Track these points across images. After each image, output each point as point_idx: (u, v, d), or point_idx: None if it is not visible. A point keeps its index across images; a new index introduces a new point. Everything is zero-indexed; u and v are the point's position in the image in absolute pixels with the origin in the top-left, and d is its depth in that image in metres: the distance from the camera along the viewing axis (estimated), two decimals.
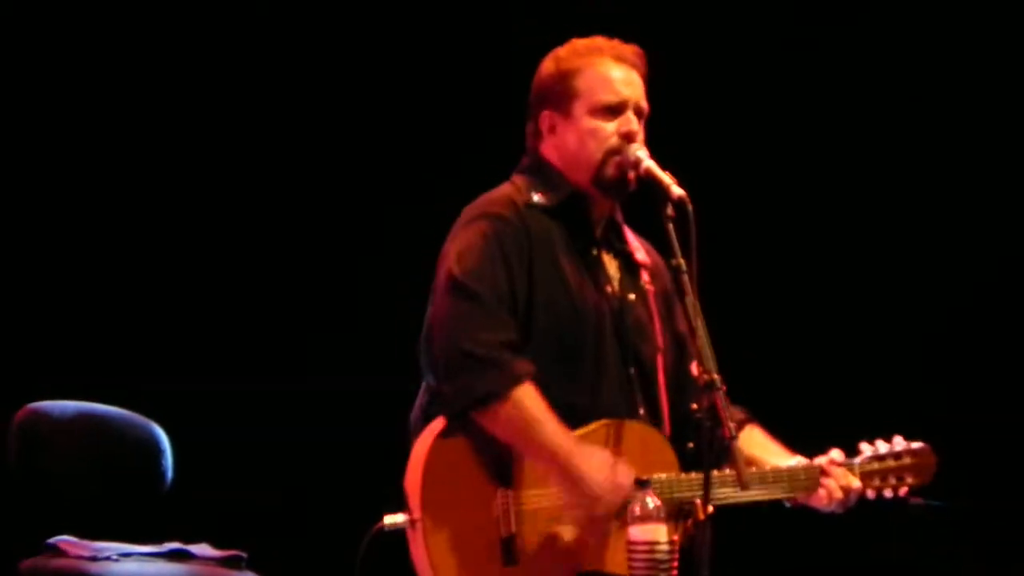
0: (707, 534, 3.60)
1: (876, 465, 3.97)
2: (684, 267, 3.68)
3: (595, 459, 3.69)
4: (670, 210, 3.73)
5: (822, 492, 3.89)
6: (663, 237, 3.74)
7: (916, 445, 4.02)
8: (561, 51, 3.97)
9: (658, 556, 3.52)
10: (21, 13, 5.90)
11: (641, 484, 3.59)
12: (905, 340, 6.13)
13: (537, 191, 3.90)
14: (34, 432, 4.53)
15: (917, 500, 4.02)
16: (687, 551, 3.61)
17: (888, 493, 3.97)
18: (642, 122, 3.91)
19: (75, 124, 5.93)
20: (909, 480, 4.00)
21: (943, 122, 6.08)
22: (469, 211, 3.87)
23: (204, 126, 6.01)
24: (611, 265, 3.97)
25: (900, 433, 4.03)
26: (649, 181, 3.81)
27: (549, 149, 3.95)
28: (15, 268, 5.84)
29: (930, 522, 4.41)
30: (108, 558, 4.29)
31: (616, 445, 3.76)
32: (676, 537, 3.59)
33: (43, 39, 5.93)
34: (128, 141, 5.99)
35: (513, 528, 3.68)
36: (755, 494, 3.81)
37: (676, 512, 3.66)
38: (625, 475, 3.68)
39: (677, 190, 3.74)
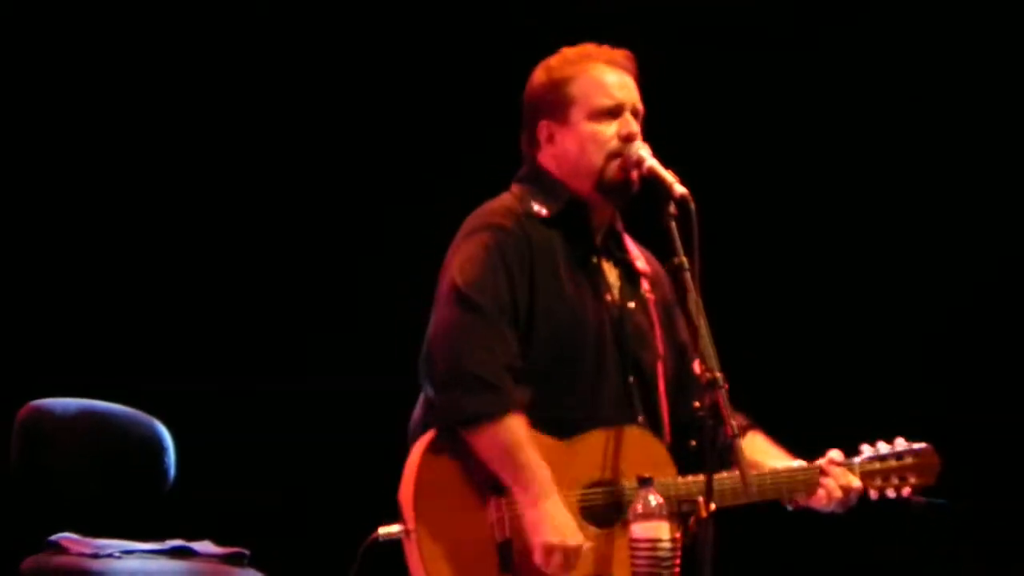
0: (709, 533, 3.59)
1: (878, 465, 3.97)
2: (687, 265, 3.69)
3: (559, 518, 3.69)
4: (673, 208, 3.74)
5: (821, 492, 3.91)
6: (664, 238, 3.75)
7: (918, 446, 4.02)
8: (552, 60, 3.98)
9: (660, 554, 3.53)
10: (21, 13, 5.90)
11: (644, 482, 3.59)
12: (905, 340, 6.13)
13: (536, 201, 3.91)
14: (37, 429, 4.52)
15: (919, 499, 4.02)
16: (689, 549, 3.61)
17: (891, 493, 3.98)
18: (639, 123, 3.92)
19: (76, 124, 5.93)
20: (912, 480, 3.99)
21: (943, 122, 6.08)
22: (470, 222, 3.88)
23: (207, 127, 6.01)
24: (611, 273, 3.98)
25: (901, 434, 4.04)
26: (652, 180, 3.81)
27: (548, 158, 3.95)
28: (18, 266, 5.84)
29: (932, 521, 4.40)
30: (110, 555, 4.28)
31: (614, 451, 3.78)
32: (679, 535, 3.59)
33: (43, 39, 5.93)
34: (130, 141, 5.98)
35: (508, 534, 3.70)
36: (755, 495, 3.81)
37: (677, 512, 3.67)
38: (574, 541, 3.68)
39: (680, 188, 3.76)
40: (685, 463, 3.83)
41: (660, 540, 3.54)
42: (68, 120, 5.93)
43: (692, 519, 3.60)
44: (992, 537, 5.91)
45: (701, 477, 3.63)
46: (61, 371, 5.48)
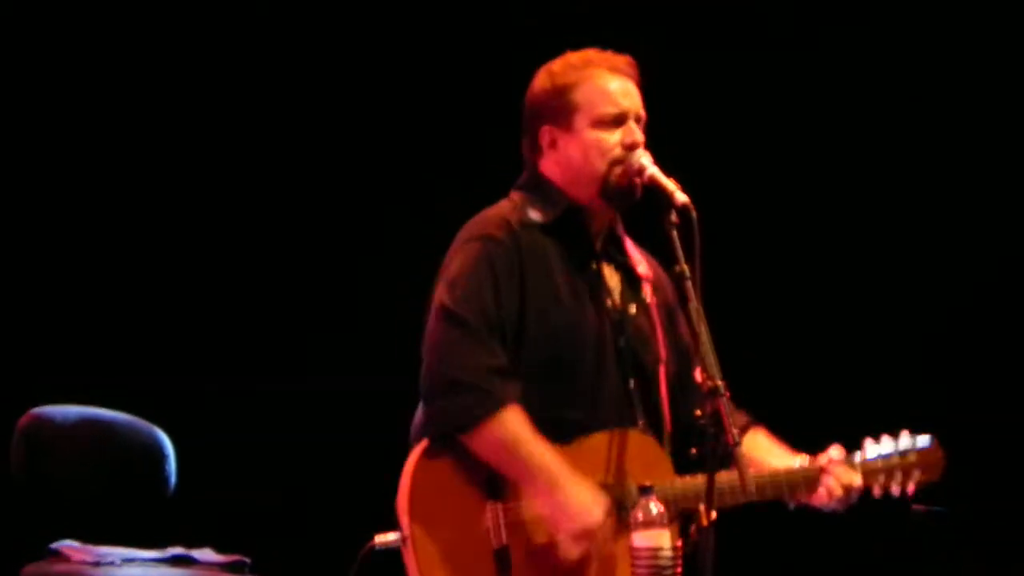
0: (710, 540, 3.59)
1: (880, 463, 3.95)
2: (688, 273, 3.69)
3: (580, 495, 3.70)
4: (674, 217, 3.73)
5: (822, 491, 3.89)
6: (666, 244, 3.75)
7: (922, 440, 3.99)
8: (555, 65, 3.96)
9: (661, 562, 3.53)
10: (21, 13, 5.89)
11: (644, 491, 3.59)
12: (905, 340, 6.13)
13: (534, 208, 3.91)
14: (37, 437, 4.53)
15: (919, 507, 4.00)
16: (690, 558, 3.61)
17: (895, 490, 3.95)
18: (641, 129, 3.91)
19: (76, 125, 5.93)
20: (916, 476, 3.96)
21: (943, 122, 6.08)
22: (465, 231, 3.89)
23: (207, 128, 6.01)
24: (612, 278, 3.97)
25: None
26: (653, 188, 3.81)
27: (550, 164, 3.95)
28: (17, 269, 5.84)
29: (932, 528, 4.40)
30: (111, 563, 4.30)
31: (614, 454, 3.78)
32: (679, 543, 3.59)
33: (43, 39, 5.93)
34: (130, 143, 5.98)
35: (505, 539, 3.70)
36: (755, 496, 3.82)
37: (677, 517, 3.67)
38: (603, 504, 3.70)
39: (681, 197, 3.75)
40: (686, 467, 3.83)
41: (661, 548, 3.53)
42: (69, 122, 5.93)
43: (693, 527, 3.60)
44: (992, 537, 5.91)
45: (700, 478, 3.63)
46: (60, 371, 5.49)
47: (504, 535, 3.69)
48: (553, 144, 3.93)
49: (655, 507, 3.54)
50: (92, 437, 4.61)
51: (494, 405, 3.68)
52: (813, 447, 3.99)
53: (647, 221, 3.87)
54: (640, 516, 3.54)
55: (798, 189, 6.14)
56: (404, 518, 3.70)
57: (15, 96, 5.87)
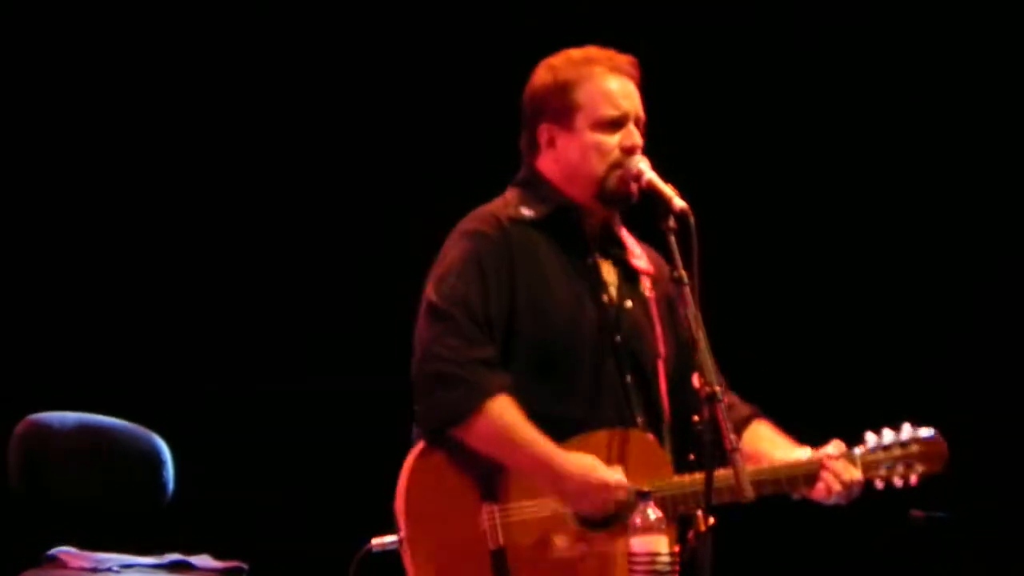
0: (708, 546, 3.59)
1: (881, 455, 3.92)
2: (686, 279, 3.68)
3: (578, 459, 3.71)
4: (672, 222, 3.72)
5: (821, 486, 3.87)
6: (664, 249, 3.74)
7: (924, 432, 3.95)
8: (555, 61, 3.93)
9: (659, 568, 3.52)
10: (21, 13, 5.89)
11: (642, 496, 3.59)
12: (905, 340, 6.13)
13: (526, 205, 3.90)
14: (35, 444, 4.52)
15: (918, 512, 4.00)
16: (688, 563, 3.60)
17: (898, 482, 3.92)
18: (640, 131, 3.90)
19: (75, 126, 5.93)
20: (919, 468, 3.93)
21: (943, 122, 6.08)
22: (457, 228, 3.89)
23: (206, 128, 6.02)
24: (609, 273, 3.95)
25: None
26: (651, 193, 3.80)
27: (547, 162, 3.93)
28: (15, 271, 5.84)
29: (932, 533, 4.39)
30: (109, 570, 4.30)
31: (612, 453, 3.77)
32: (677, 548, 3.59)
33: (43, 39, 5.92)
34: (128, 143, 5.98)
35: (501, 541, 3.70)
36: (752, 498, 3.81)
37: (675, 518, 3.67)
38: (612, 475, 3.70)
39: (679, 202, 3.73)
40: (686, 468, 3.83)
41: (659, 554, 3.53)
42: (67, 123, 5.93)
43: (691, 533, 3.60)
44: (992, 537, 5.92)
45: (698, 476, 3.62)
46: (56, 371, 5.49)
47: (501, 536, 3.69)
48: (551, 142, 3.92)
49: (653, 512, 3.54)
50: (90, 444, 4.60)
51: (481, 396, 3.68)
52: (813, 447, 3.98)
53: (646, 223, 3.86)
54: (638, 521, 3.54)
55: (798, 189, 6.14)
56: (401, 520, 3.70)
57: (14, 97, 5.87)
